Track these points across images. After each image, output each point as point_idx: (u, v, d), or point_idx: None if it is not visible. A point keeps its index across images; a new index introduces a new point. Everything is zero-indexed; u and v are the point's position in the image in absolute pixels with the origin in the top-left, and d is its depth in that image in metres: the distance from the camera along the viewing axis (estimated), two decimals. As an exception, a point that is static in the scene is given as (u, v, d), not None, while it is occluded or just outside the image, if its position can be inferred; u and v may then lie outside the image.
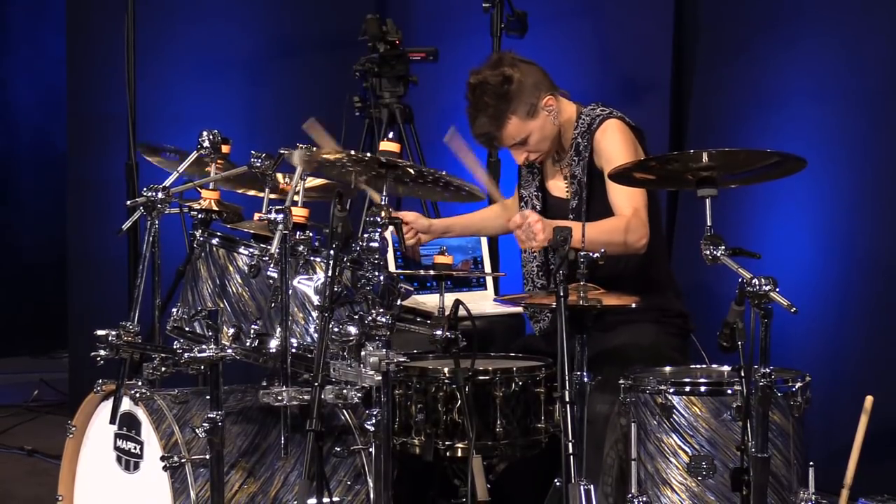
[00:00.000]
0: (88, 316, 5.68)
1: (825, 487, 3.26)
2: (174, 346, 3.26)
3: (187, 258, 3.54)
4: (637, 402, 3.22)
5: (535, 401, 3.43)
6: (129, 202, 3.65)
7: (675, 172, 3.19)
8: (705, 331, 3.75)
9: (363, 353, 2.92)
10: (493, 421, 3.37)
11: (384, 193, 3.05)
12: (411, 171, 3.11)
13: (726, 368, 3.37)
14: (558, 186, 3.87)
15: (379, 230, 2.99)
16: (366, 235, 2.99)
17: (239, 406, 3.44)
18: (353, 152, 3.08)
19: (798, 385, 3.17)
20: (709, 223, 2.99)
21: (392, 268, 4.15)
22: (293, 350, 3.23)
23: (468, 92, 3.74)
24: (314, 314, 3.28)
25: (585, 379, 3.22)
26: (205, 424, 3.12)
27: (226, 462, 3.21)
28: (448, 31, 5.71)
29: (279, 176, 3.76)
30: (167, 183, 3.49)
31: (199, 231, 3.48)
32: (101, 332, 3.30)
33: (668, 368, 3.41)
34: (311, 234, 3.30)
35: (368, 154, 3.06)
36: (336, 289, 3.01)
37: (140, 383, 3.35)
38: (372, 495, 3.25)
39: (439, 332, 3.24)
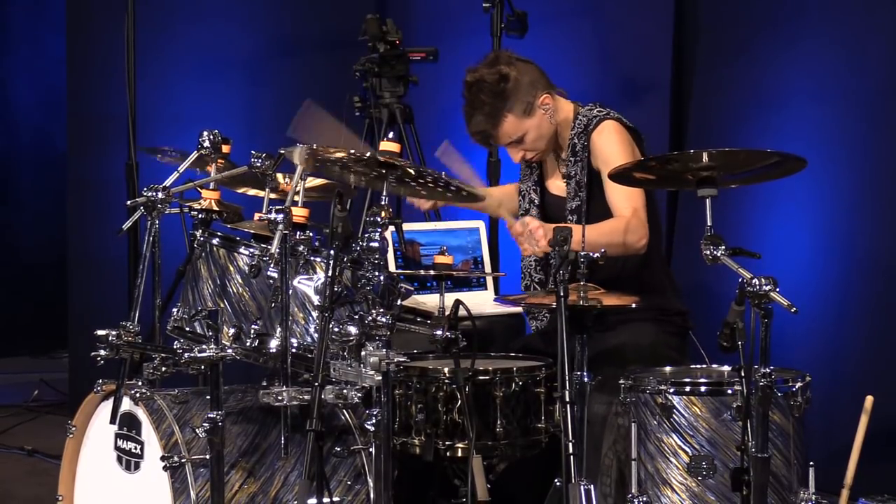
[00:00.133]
0: (88, 316, 5.68)
1: (825, 487, 3.26)
2: (174, 346, 3.26)
3: (188, 258, 3.54)
4: (637, 402, 3.22)
5: (535, 401, 3.43)
6: (129, 202, 3.65)
7: (675, 172, 3.19)
8: (705, 331, 3.75)
9: (363, 353, 2.92)
10: (493, 421, 3.37)
11: (384, 193, 3.05)
12: (411, 171, 3.11)
13: (726, 368, 3.37)
14: (557, 185, 3.87)
15: (379, 230, 2.99)
16: (366, 235, 2.99)
17: (239, 406, 3.44)
18: (353, 151, 3.07)
19: (798, 385, 3.17)
20: (709, 223, 2.99)
21: (392, 268, 4.15)
22: (293, 350, 3.22)
23: (465, 90, 3.74)
24: (314, 314, 3.28)
25: (585, 379, 3.22)
26: (205, 424, 3.12)
27: (226, 462, 3.21)
28: (448, 31, 5.71)
29: (279, 176, 3.76)
30: (167, 183, 3.50)
31: (200, 231, 3.48)
32: (101, 332, 3.30)
33: (668, 368, 3.41)
34: (311, 234, 3.30)
35: (367, 154, 3.06)
36: (336, 289, 3.01)
37: (140, 383, 3.35)
38: (372, 495, 3.25)
39: (439, 332, 3.24)
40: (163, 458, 3.22)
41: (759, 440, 2.88)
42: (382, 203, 3.03)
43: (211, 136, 3.61)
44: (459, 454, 3.36)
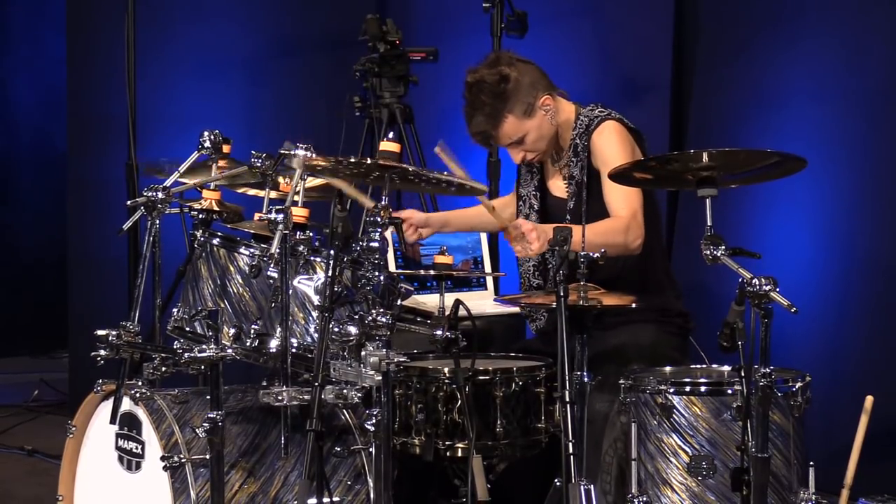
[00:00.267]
0: (88, 316, 5.68)
1: (825, 487, 3.26)
2: (174, 346, 3.26)
3: (188, 258, 3.54)
4: (637, 402, 3.22)
5: (535, 401, 3.43)
6: (129, 202, 3.65)
7: (675, 172, 3.19)
8: (705, 331, 3.74)
9: (363, 353, 2.92)
10: (493, 421, 3.37)
11: (385, 192, 3.05)
12: (409, 171, 3.11)
13: (726, 368, 3.37)
14: (558, 186, 3.87)
15: (379, 230, 2.99)
16: (366, 235, 2.99)
17: (239, 406, 3.44)
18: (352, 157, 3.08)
19: (798, 385, 3.17)
20: (709, 223, 2.99)
21: (392, 268, 4.15)
22: (293, 350, 3.22)
23: (465, 90, 3.74)
24: (314, 314, 3.28)
25: (585, 379, 3.22)
26: (205, 424, 3.12)
27: (226, 462, 3.21)
28: (448, 31, 5.71)
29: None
30: (167, 183, 3.50)
31: (200, 231, 3.48)
32: (101, 332, 3.30)
33: (668, 368, 3.41)
34: (311, 234, 3.30)
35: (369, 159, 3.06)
36: (336, 289, 3.01)
37: (140, 383, 3.35)
38: (372, 495, 3.24)
39: (439, 332, 3.23)
40: (163, 458, 3.22)
41: (759, 440, 2.88)
42: (382, 203, 3.03)
43: (211, 137, 3.61)
44: (459, 454, 3.36)
